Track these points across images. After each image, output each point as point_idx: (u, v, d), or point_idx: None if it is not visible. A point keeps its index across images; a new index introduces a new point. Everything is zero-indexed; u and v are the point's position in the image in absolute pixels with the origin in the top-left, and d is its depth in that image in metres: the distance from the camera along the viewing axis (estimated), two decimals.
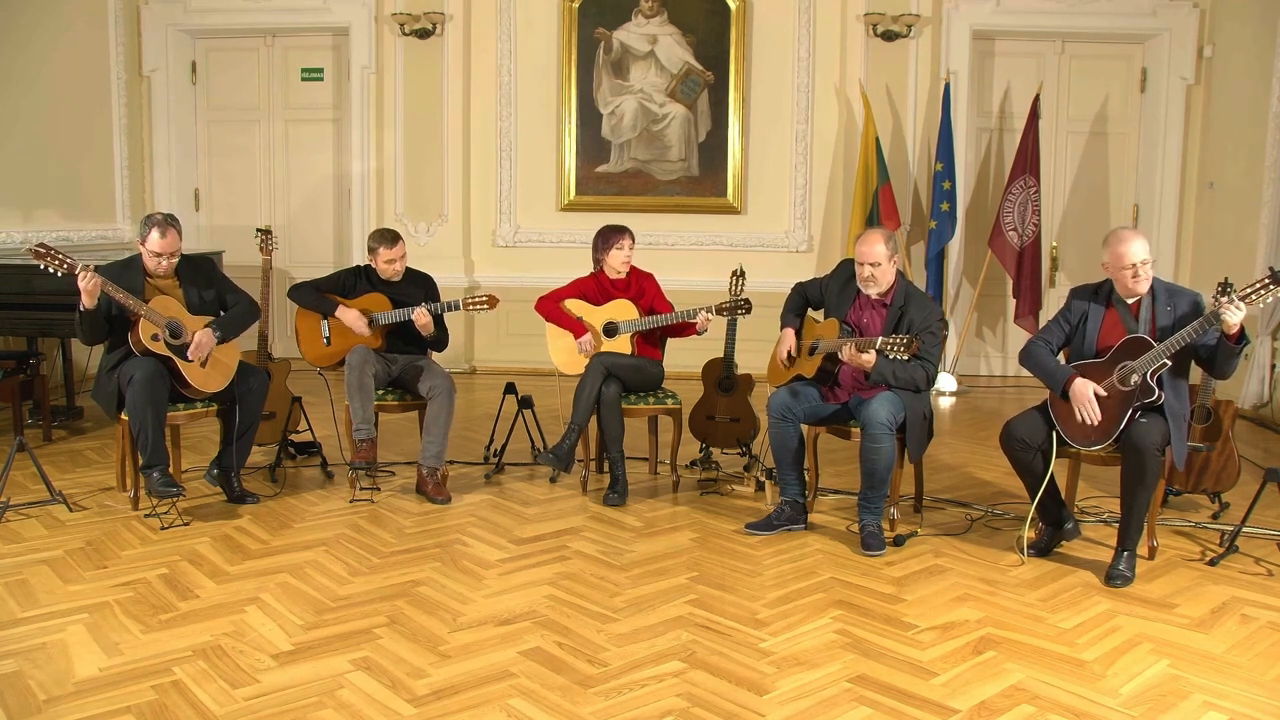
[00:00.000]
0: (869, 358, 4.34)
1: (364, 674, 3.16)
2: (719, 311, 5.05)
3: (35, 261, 4.37)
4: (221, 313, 4.81)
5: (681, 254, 8.26)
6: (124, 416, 4.59)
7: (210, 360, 4.65)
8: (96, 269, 4.39)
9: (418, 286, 5.29)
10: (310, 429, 5.61)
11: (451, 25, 8.23)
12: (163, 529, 4.46)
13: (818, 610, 3.70)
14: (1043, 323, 7.13)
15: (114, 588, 3.81)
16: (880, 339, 4.29)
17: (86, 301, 4.38)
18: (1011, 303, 8.02)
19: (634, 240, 5.26)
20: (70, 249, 5.06)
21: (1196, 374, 4.28)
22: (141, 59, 8.31)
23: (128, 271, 4.60)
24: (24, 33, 7.09)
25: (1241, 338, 3.89)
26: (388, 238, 5.21)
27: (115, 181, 8.04)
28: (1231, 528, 4.39)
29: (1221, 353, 3.93)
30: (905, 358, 4.25)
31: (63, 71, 7.46)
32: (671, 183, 8.38)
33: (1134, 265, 4.03)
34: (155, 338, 4.50)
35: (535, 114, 8.42)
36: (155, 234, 4.57)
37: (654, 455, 5.50)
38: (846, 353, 4.39)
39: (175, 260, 4.67)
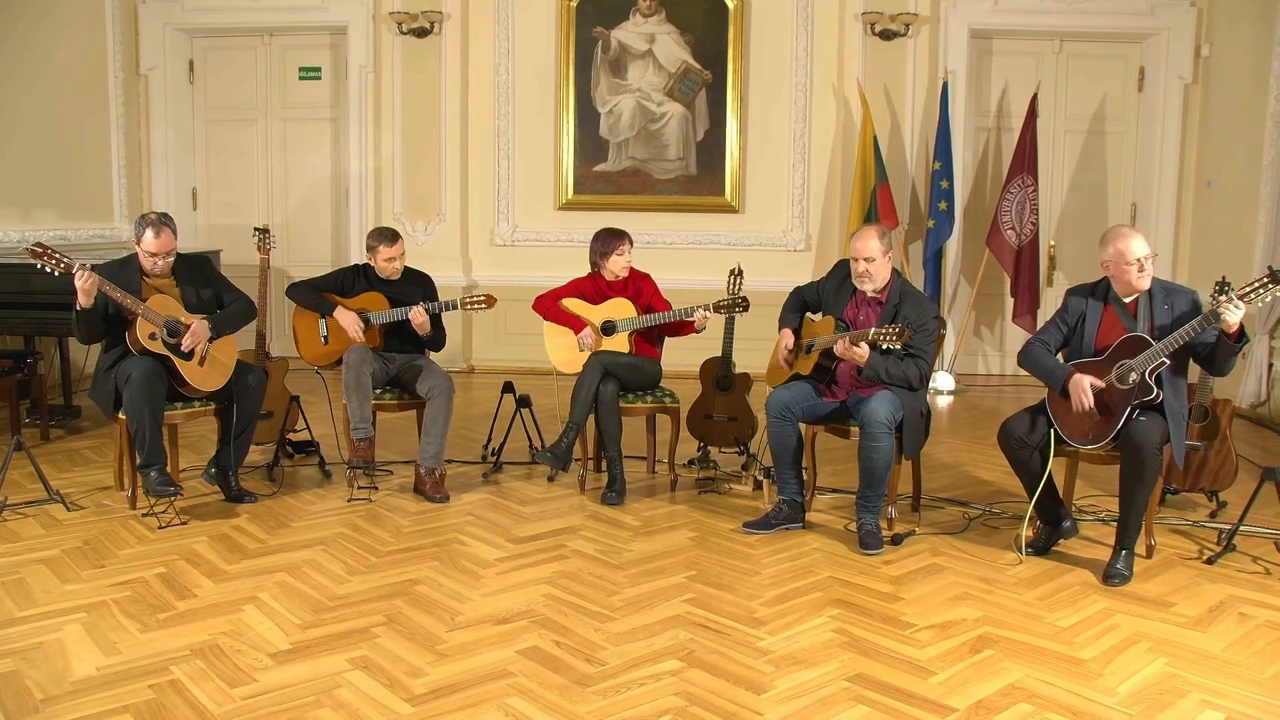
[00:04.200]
0: (862, 352, 4.34)
1: (362, 673, 3.15)
2: (717, 310, 5.06)
3: (33, 261, 4.36)
4: (219, 311, 4.80)
5: (679, 253, 8.25)
6: (121, 415, 4.58)
7: (208, 359, 4.64)
8: (93, 268, 4.38)
9: (416, 286, 5.29)
10: (308, 428, 5.60)
11: (449, 24, 8.22)
12: (160, 528, 4.46)
13: (816, 609, 3.70)
14: (1040, 321, 7.17)
15: (111, 587, 3.80)
16: (873, 330, 4.29)
17: (83, 301, 4.36)
18: (1009, 302, 8.02)
19: (633, 244, 5.25)
20: (68, 248, 5.06)
21: (1194, 373, 4.28)
22: (139, 58, 8.29)
23: (124, 270, 4.59)
24: (22, 32, 7.08)
25: (1241, 336, 3.89)
26: (387, 236, 5.21)
27: (113, 180, 8.03)
28: (1229, 526, 4.39)
29: (1221, 351, 3.93)
30: (898, 346, 4.25)
31: (60, 71, 7.45)
32: (669, 182, 8.37)
33: (1139, 260, 4.02)
34: (153, 337, 4.49)
35: (533, 113, 8.41)
36: (149, 234, 4.57)
37: (652, 454, 5.49)
38: (840, 347, 4.39)
39: (171, 259, 4.66)
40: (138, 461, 4.54)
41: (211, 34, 8.50)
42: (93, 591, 3.76)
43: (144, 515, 4.59)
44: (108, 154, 8.00)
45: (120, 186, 8.06)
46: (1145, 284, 4.07)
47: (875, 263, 4.46)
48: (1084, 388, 4.02)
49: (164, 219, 4.62)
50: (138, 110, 8.33)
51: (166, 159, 8.48)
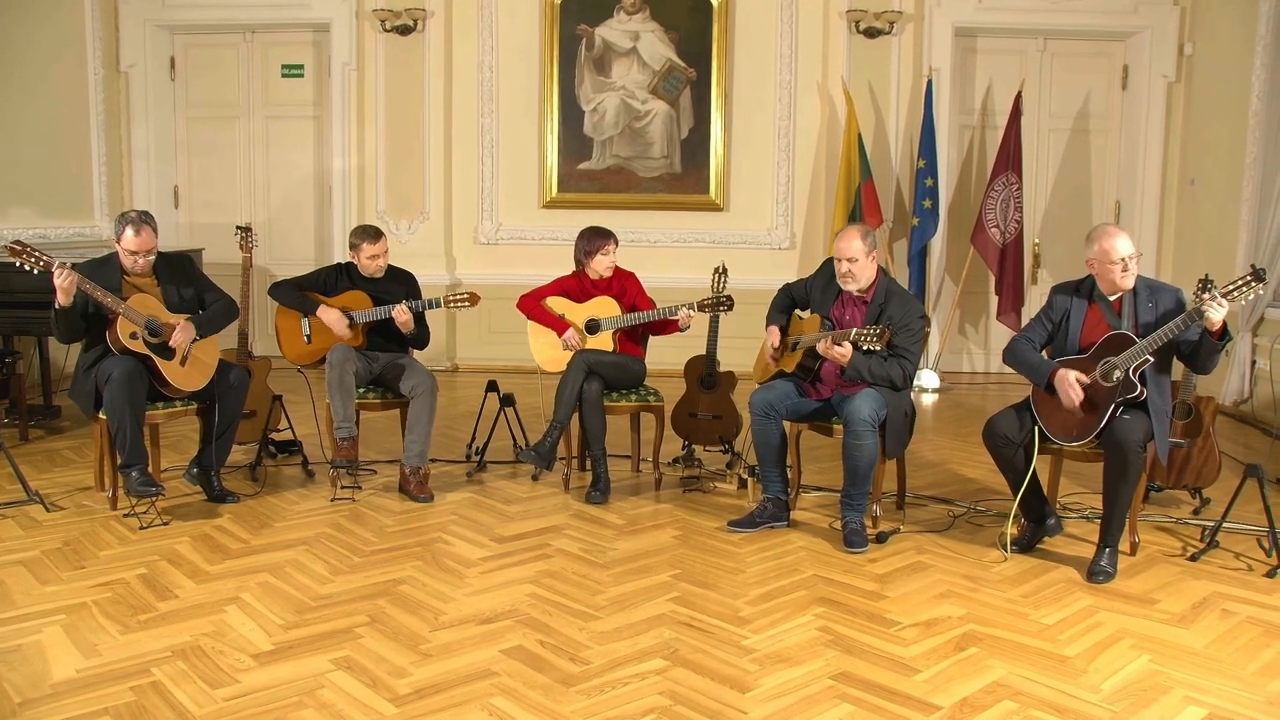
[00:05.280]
0: (844, 350, 4.33)
1: (345, 673, 3.14)
2: (701, 308, 5.05)
3: (11, 259, 4.33)
4: (201, 311, 4.76)
5: (664, 251, 8.24)
6: (102, 415, 4.54)
7: (190, 358, 4.61)
8: (73, 267, 4.34)
9: (399, 284, 5.27)
10: (291, 427, 5.56)
11: (433, 21, 8.19)
12: (141, 529, 4.42)
13: (800, 607, 3.69)
14: (1025, 319, 7.18)
15: (92, 588, 3.77)
16: (854, 331, 4.29)
17: (62, 299, 4.33)
18: (994, 300, 8.03)
19: (618, 243, 5.24)
20: (47, 247, 5.01)
21: (1178, 370, 4.29)
22: (119, 55, 8.22)
23: (104, 269, 4.55)
24: (0, 29, 7.01)
25: (1224, 334, 3.90)
26: (370, 233, 5.18)
27: (93, 178, 7.95)
28: (1212, 523, 4.40)
29: (1204, 349, 3.94)
30: (878, 348, 4.25)
31: (39, 67, 7.38)
32: (654, 180, 8.36)
33: (1123, 260, 4.03)
34: (134, 336, 4.46)
35: (517, 111, 8.38)
36: (130, 231, 4.53)
37: (636, 453, 5.48)
38: (822, 346, 4.39)
39: (151, 258, 4.62)
40: (118, 462, 4.51)
41: (193, 30, 8.44)
42: (72, 593, 3.73)
43: (125, 516, 4.56)
44: (88, 152, 7.92)
45: (101, 184, 7.98)
46: (1129, 283, 4.08)
47: (858, 263, 4.46)
48: (1071, 381, 4.02)
49: (144, 217, 4.58)
50: (118, 107, 8.25)
51: (148, 157, 8.41)
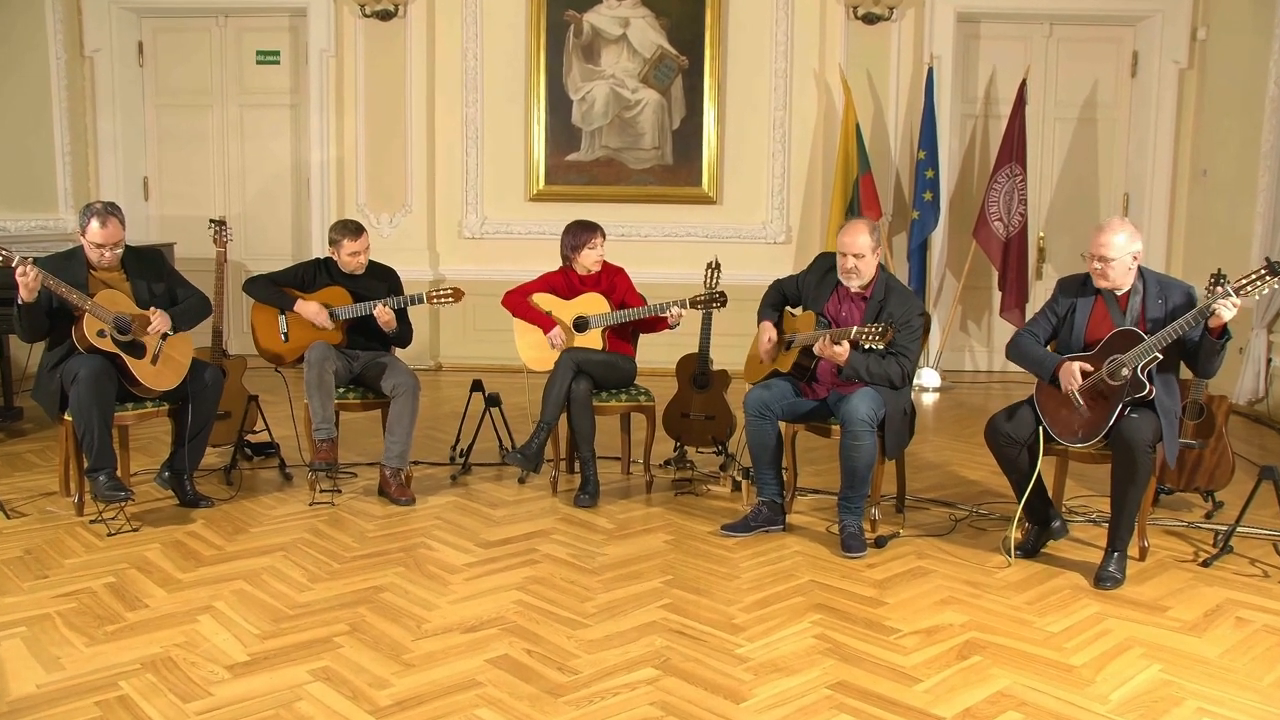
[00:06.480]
0: (842, 349, 4.27)
1: (324, 684, 3.08)
2: (693, 305, 5.01)
3: None
4: (173, 308, 4.67)
5: (655, 246, 8.16)
6: (67, 417, 4.45)
7: (162, 357, 4.53)
8: (36, 261, 4.24)
9: (380, 280, 5.21)
10: (267, 429, 5.50)
11: (414, 6, 8.08)
12: (110, 535, 4.34)
13: (796, 614, 3.65)
14: (1029, 316, 7.10)
15: (55, 598, 3.68)
16: (855, 329, 4.24)
17: (25, 296, 4.23)
18: (997, 295, 7.96)
19: (605, 236, 5.18)
20: (8, 240, 4.91)
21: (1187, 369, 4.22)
22: (83, 38, 8.06)
23: (70, 264, 4.46)
24: None
25: (1223, 333, 3.85)
26: (351, 229, 5.11)
27: (56, 169, 7.81)
28: (1226, 527, 4.34)
29: (1204, 349, 3.89)
30: (881, 347, 4.19)
31: None
32: (644, 172, 8.27)
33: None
34: (101, 334, 4.36)
35: (502, 100, 8.28)
36: (95, 224, 4.44)
37: (626, 454, 5.42)
38: (819, 345, 4.33)
39: (119, 251, 4.53)
40: (85, 465, 4.43)
41: (161, 14, 8.31)
42: (34, 604, 3.64)
43: (92, 522, 4.47)
44: (50, 141, 7.76)
45: (65, 175, 7.83)
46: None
47: (864, 259, 4.41)
48: (1074, 371, 3.97)
49: (110, 208, 4.50)
50: (83, 94, 8.08)
51: (115, 146, 8.27)
